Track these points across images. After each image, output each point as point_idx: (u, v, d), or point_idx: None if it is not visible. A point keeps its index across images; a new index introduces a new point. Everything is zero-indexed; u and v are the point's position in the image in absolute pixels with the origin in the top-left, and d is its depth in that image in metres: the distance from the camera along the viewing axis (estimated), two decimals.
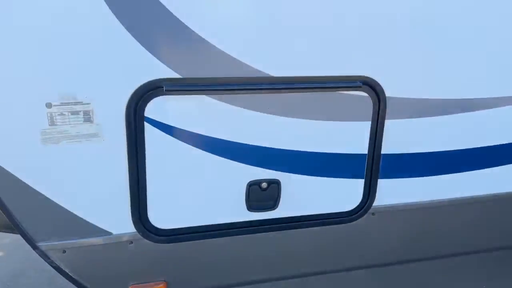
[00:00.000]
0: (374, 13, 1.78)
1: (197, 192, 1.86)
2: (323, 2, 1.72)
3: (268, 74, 1.75)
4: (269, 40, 1.72)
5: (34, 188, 1.67)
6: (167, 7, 1.59)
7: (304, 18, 1.72)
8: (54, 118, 1.60)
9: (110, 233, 1.82)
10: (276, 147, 1.88)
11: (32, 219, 1.72)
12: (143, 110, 1.69)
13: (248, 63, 1.72)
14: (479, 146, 2.11)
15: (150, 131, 1.73)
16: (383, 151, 1.97)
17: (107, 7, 1.55)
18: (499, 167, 2.18)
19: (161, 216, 1.87)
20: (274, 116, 1.84)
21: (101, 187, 1.75)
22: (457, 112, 2.02)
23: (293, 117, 1.86)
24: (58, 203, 1.71)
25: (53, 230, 1.76)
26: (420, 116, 1.97)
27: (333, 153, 1.92)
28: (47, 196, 1.69)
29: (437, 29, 1.86)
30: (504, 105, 2.08)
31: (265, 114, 1.83)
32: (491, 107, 2.07)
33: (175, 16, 1.61)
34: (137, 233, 1.85)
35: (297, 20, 1.72)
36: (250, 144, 1.82)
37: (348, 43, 1.80)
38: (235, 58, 1.70)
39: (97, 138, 1.68)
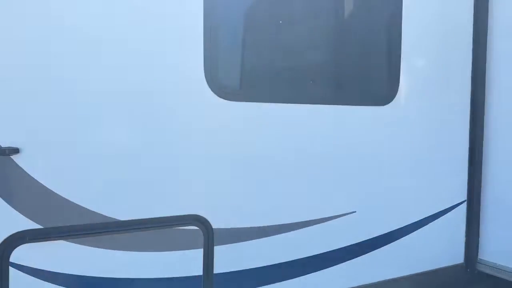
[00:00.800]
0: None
1: None
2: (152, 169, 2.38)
3: (116, 218, 2.28)
4: (116, 193, 2.28)
5: None
6: (28, 172, 2.11)
7: (143, 180, 2.35)
8: None
9: None
10: (129, 277, 2.32)
11: None
12: (8, 257, 2.07)
13: (97, 211, 2.24)
14: (295, 258, 2.74)
15: (15, 275, 2.08)
16: (215, 271, 2.49)
17: None
18: (317, 271, 2.82)
19: None
20: (126, 251, 2.32)
21: None
22: (271, 235, 2.67)
23: (140, 251, 2.35)
24: None
25: None
26: (242, 240, 2.59)
27: (174, 277, 2.41)
28: None
29: (218, 177, 2.59)
30: (312, 225, 2.79)
31: (117, 251, 2.30)
32: (301, 228, 2.76)
33: (35, 179, 2.13)
34: None
35: (137, 178, 2.34)
36: (101, 276, 2.25)
37: (180, 192, 2.44)
38: (87, 209, 2.21)
39: None
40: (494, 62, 3.35)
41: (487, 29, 3.33)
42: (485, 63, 3.36)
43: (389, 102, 3.06)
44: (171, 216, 2.44)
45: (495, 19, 3.32)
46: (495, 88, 3.34)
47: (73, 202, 2.18)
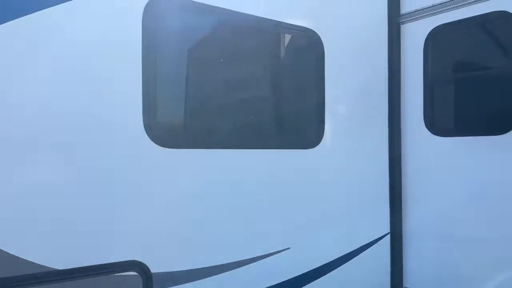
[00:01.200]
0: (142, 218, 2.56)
1: None
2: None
3: (55, 268, 2.29)
4: (52, 242, 2.31)
5: None
6: None
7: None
8: None
9: None
10: None
11: None
12: None
13: (36, 262, 2.25)
14: None
15: None
16: None
17: None
18: None
19: None
20: None
21: None
22: (209, 276, 2.78)
23: None
24: None
25: None
26: (182, 283, 2.68)
27: None
28: None
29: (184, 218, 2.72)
30: (250, 263, 2.94)
31: None
32: (239, 267, 2.90)
33: None
34: None
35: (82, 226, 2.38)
36: None
37: (120, 239, 2.50)
38: (23, 259, 2.21)
39: None
40: (407, 104, 3.76)
41: (400, 81, 3.78)
42: (400, 105, 3.77)
43: (316, 145, 3.33)
44: (109, 263, 2.49)
45: (406, 72, 3.77)
46: (409, 128, 3.74)
47: (6, 252, 2.18)
